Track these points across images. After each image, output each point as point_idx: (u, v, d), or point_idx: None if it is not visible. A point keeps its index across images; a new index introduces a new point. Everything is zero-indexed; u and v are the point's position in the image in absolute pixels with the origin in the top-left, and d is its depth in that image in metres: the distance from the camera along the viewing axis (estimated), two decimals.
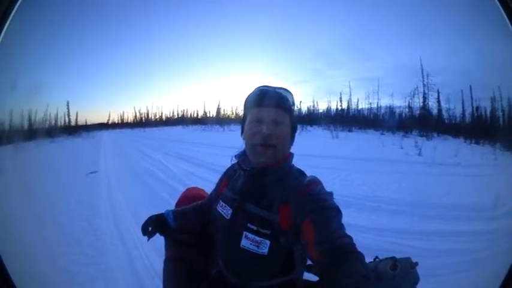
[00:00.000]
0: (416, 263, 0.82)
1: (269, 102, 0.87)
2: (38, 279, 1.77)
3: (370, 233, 2.69)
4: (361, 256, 0.68)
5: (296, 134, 0.94)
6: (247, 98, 0.93)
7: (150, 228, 1.05)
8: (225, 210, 0.90)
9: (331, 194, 0.82)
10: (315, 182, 0.85)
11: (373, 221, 3.05)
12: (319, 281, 0.89)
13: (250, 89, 0.95)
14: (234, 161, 0.96)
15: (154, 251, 2.16)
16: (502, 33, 0.78)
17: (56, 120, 21.32)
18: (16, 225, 2.59)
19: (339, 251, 0.68)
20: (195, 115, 29.66)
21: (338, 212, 0.77)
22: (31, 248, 2.21)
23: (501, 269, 0.71)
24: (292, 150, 0.94)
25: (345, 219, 0.76)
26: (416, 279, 0.81)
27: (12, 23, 0.77)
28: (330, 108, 20.86)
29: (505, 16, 0.76)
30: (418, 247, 2.45)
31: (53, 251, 2.40)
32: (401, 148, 9.71)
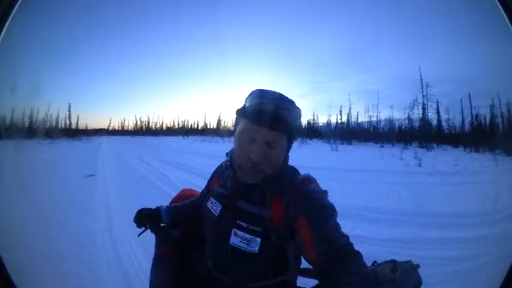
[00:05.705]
0: (418, 265, 0.80)
1: (265, 122, 0.75)
2: (38, 279, 1.76)
3: (371, 243, 2.63)
4: (359, 255, 0.67)
5: (293, 146, 0.87)
6: (245, 103, 0.82)
7: (143, 222, 1.05)
8: (214, 207, 0.87)
9: (326, 192, 0.80)
10: (310, 179, 0.82)
11: (373, 232, 2.99)
12: (316, 286, 0.85)
13: None
14: (227, 158, 0.93)
15: (145, 256, 2.11)
16: (502, 34, 0.78)
17: (57, 122, 21.33)
18: (15, 225, 2.58)
19: (338, 251, 0.66)
20: (196, 126, 29.82)
21: (334, 211, 0.74)
22: (28, 247, 2.19)
23: (502, 271, 0.69)
24: (292, 162, 0.88)
25: (345, 230, 0.72)
26: (419, 282, 0.78)
27: (12, 23, 0.77)
28: (330, 121, 21.06)
29: (505, 16, 0.75)
30: (420, 256, 2.37)
31: (48, 251, 2.36)
32: (401, 159, 9.69)
